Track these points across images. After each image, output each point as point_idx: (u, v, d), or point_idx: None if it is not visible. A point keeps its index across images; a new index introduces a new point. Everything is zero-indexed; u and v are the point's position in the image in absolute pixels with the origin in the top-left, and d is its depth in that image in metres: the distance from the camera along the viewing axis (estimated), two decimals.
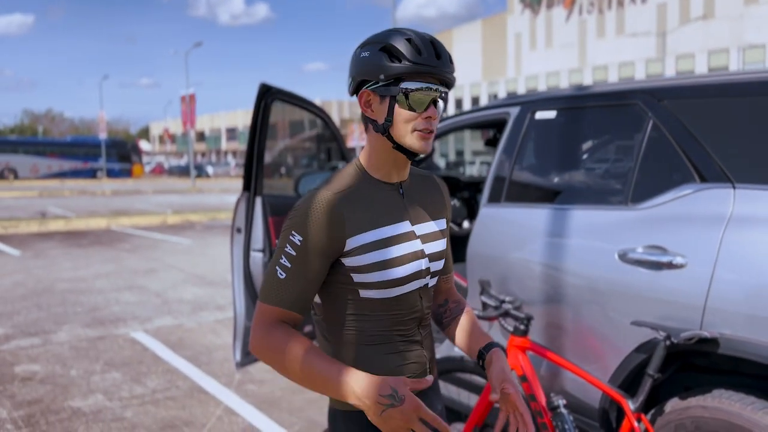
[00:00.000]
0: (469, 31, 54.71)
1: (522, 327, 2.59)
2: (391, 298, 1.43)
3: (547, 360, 2.65)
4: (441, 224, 1.58)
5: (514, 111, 3.12)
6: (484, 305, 2.69)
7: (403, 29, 1.40)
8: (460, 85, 50.13)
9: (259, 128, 3.08)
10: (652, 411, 2.38)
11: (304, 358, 1.31)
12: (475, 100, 47.66)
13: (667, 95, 2.49)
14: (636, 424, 2.28)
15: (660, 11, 39.87)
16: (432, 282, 1.54)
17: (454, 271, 3.75)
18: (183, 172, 54.02)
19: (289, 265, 1.35)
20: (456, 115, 3.46)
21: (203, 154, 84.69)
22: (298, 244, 1.34)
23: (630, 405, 2.30)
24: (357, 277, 1.39)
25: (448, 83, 1.41)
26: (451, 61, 1.40)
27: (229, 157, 76.98)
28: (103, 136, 46.48)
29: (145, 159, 78.79)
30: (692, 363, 2.44)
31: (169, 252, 10.97)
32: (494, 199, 3.04)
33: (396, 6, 27.66)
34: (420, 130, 1.38)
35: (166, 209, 19.99)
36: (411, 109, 1.36)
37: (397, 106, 1.37)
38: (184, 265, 9.52)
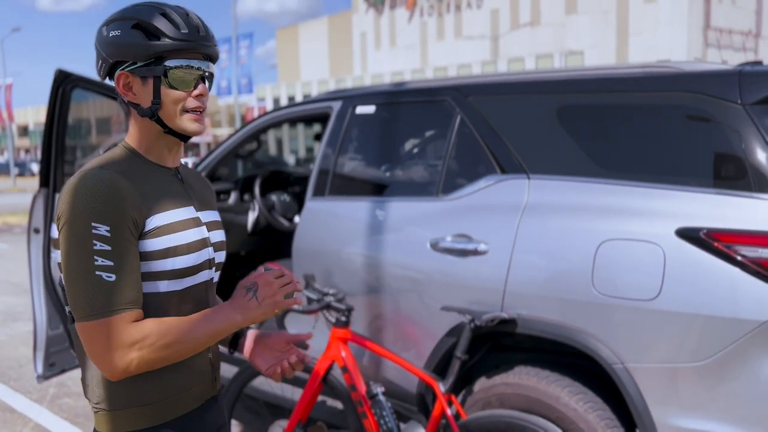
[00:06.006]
0: (315, 28, 54.76)
1: (343, 318, 2.61)
2: (178, 291, 1.31)
3: (368, 350, 2.70)
4: (218, 216, 1.50)
5: (336, 105, 3.13)
6: (308, 299, 2.68)
7: (153, 2, 1.31)
8: (308, 81, 50.03)
9: (57, 119, 2.84)
10: (463, 392, 2.50)
11: (191, 329, 1.24)
12: None
13: (472, 92, 2.62)
14: (446, 405, 2.38)
15: (493, 16, 42.48)
16: (216, 276, 1.45)
17: (275, 265, 3.71)
18: (3, 169, 48.87)
19: (112, 263, 1.17)
20: (279, 109, 3.41)
21: (27, 151, 77.11)
22: (108, 234, 1.17)
23: (441, 387, 2.40)
24: (145, 267, 1.25)
25: (213, 57, 1.34)
26: (211, 35, 1.33)
27: None
28: None
29: None
30: (501, 343, 2.60)
31: None
32: (318, 192, 3.04)
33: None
34: (190, 110, 1.30)
35: None
36: (179, 88, 1.28)
37: (163, 87, 1.28)
38: None
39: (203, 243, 1.36)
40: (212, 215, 1.46)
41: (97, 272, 1.16)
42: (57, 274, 2.97)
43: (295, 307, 2.60)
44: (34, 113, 77.14)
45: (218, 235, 1.45)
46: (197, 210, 1.39)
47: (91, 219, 1.16)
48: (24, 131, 78.03)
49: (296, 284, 1.38)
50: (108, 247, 1.17)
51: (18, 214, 16.47)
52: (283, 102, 49.51)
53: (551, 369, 2.32)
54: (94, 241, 1.16)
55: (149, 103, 1.29)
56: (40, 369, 3.01)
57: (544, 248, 2.25)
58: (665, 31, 34.60)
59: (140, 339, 1.19)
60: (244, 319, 1.31)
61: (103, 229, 1.17)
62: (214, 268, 1.42)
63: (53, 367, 3.07)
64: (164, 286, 1.28)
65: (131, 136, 1.35)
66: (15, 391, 4.25)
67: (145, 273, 1.25)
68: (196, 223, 1.36)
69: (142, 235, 1.24)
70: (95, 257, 1.16)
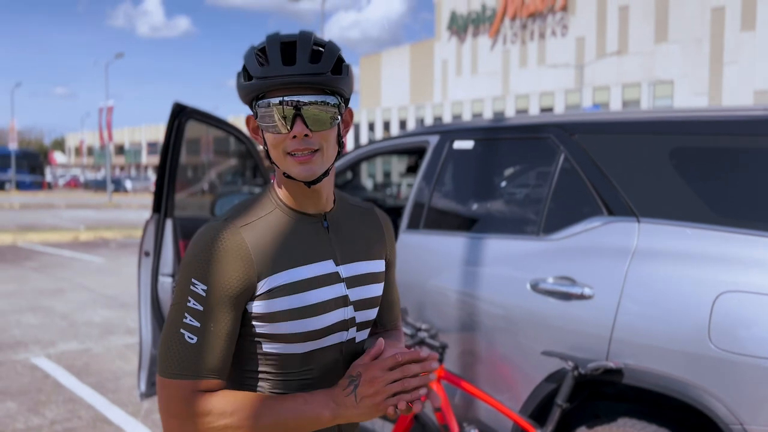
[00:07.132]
0: (398, 55, 55.63)
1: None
2: (302, 354, 1.17)
3: (461, 389, 2.66)
4: (376, 266, 1.31)
5: (433, 139, 3.14)
6: None
7: (269, 36, 1.15)
8: (388, 107, 50.74)
9: (172, 149, 3.00)
10: None
11: (260, 414, 1.09)
12: (403, 123, 48.34)
13: (578, 130, 2.57)
14: None
15: (578, 44, 41.85)
16: (360, 336, 1.27)
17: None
18: (100, 186, 51.89)
19: (198, 324, 1.09)
20: (378, 141, 3.46)
21: (122, 168, 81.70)
22: (203, 294, 1.09)
23: None
24: (261, 328, 1.14)
25: (326, 88, 1.13)
26: (316, 60, 1.11)
27: (150, 172, 74.56)
28: (13, 146, 44.16)
29: (60, 171, 75.23)
30: (601, 391, 2.50)
31: (79, 271, 10.43)
32: (413, 225, 3.05)
33: (322, 26, 27.77)
34: (292, 153, 1.13)
35: (78, 225, 19.07)
36: (273, 130, 1.13)
37: (262, 129, 1.16)
38: (95, 285, 9.07)
39: (335, 303, 1.20)
40: (362, 267, 1.28)
41: (181, 329, 1.10)
42: (163, 297, 3.10)
43: None
44: (129, 133, 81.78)
45: (364, 291, 1.27)
46: (338, 263, 1.24)
47: (192, 274, 1.10)
48: (120, 150, 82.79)
49: (405, 383, 1.13)
50: (200, 308, 1.10)
51: (113, 229, 17.41)
52: (363, 127, 50.31)
53: (658, 423, 2.20)
54: (189, 298, 1.10)
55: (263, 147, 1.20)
56: (143, 387, 3.13)
57: (655, 296, 2.15)
58: (764, 60, 32.98)
59: (199, 413, 1.09)
60: (333, 417, 1.13)
61: (200, 288, 1.10)
62: (354, 328, 1.25)
63: (155, 386, 3.19)
64: (282, 348, 1.17)
65: (275, 180, 1.25)
66: (112, 404, 4.44)
67: (262, 334, 1.15)
68: (330, 280, 1.20)
69: (253, 297, 1.14)
70: (185, 314, 1.10)
